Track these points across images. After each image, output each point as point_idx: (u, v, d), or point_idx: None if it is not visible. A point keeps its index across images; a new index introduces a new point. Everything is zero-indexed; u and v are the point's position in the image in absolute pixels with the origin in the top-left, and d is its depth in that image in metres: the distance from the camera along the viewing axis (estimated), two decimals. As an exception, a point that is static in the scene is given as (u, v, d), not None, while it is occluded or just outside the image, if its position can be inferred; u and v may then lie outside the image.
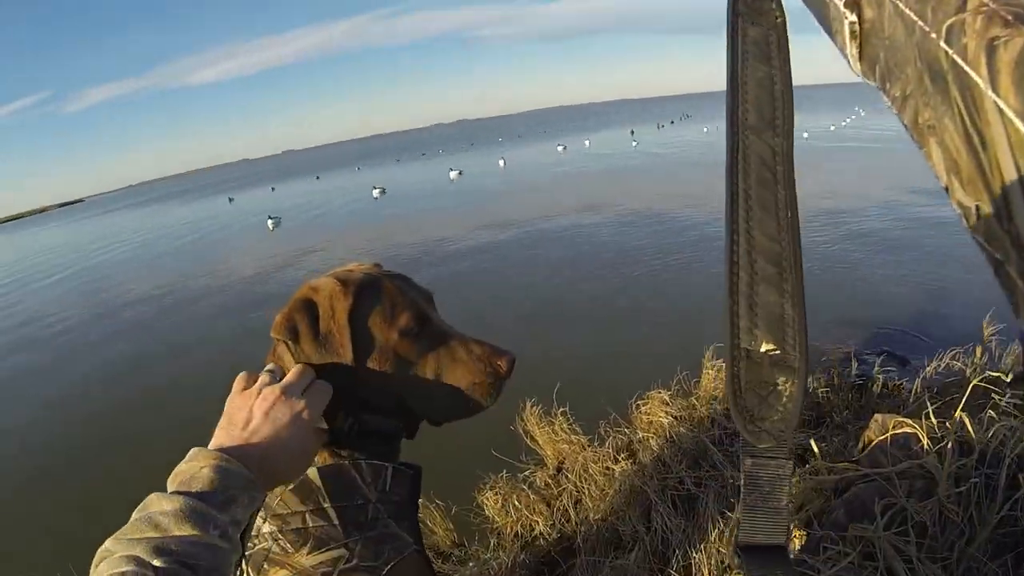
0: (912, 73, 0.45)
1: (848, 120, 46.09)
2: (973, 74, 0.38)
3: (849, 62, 0.54)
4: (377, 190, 33.48)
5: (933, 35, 0.42)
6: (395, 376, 1.26)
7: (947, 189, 0.45)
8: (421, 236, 18.05)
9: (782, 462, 0.62)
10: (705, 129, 48.68)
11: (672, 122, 63.98)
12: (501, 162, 40.25)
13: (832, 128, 40.23)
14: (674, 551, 3.40)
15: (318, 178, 67.68)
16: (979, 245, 0.43)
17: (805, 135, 35.31)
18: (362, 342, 1.24)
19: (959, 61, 0.39)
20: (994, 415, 2.87)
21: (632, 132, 51.87)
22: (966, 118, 0.40)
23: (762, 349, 0.60)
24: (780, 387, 0.60)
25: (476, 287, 11.90)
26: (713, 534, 3.38)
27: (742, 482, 0.63)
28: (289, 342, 1.25)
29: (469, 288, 11.72)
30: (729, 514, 3.53)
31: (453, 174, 36.09)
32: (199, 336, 12.05)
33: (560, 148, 45.27)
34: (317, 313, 1.24)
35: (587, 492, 4.30)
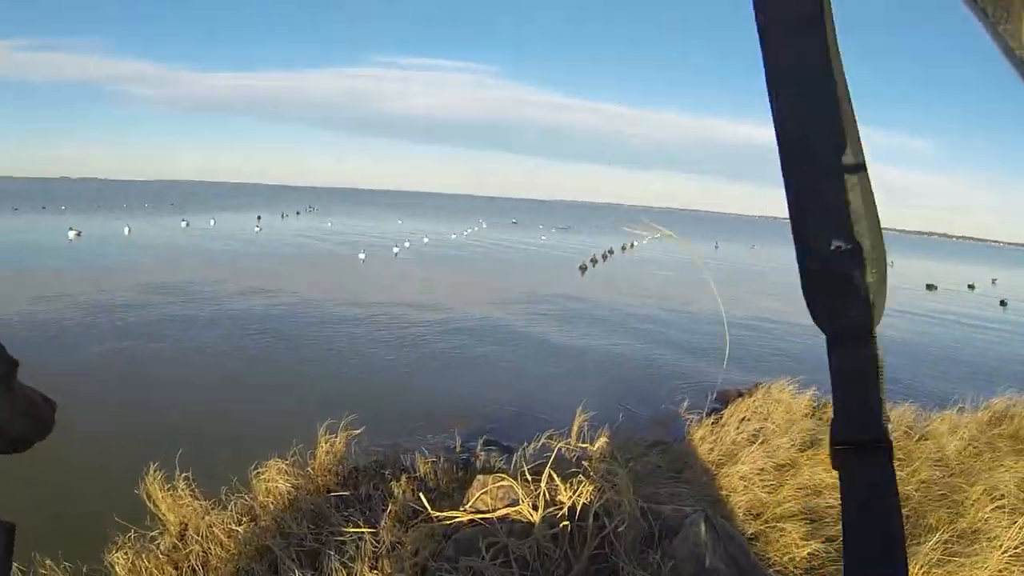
0: None
1: (470, 231, 52.41)
2: None
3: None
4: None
5: None
6: None
7: None
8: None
9: (867, 357, 0.62)
10: (329, 224, 49.99)
11: (298, 212, 63.35)
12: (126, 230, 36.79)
13: (453, 237, 45.45)
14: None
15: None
16: None
17: (426, 240, 39.55)
18: None
19: None
20: (583, 478, 3.90)
21: (259, 218, 50.09)
22: None
23: (833, 247, 0.60)
24: (856, 282, 0.60)
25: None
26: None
27: (831, 382, 0.62)
28: None
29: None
30: (351, 565, 4.07)
31: (71, 234, 32.50)
32: None
33: (184, 224, 41.53)
34: None
35: (214, 553, 4.41)
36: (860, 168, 0.60)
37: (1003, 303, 30.55)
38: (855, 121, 0.61)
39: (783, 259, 52.55)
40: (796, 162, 0.62)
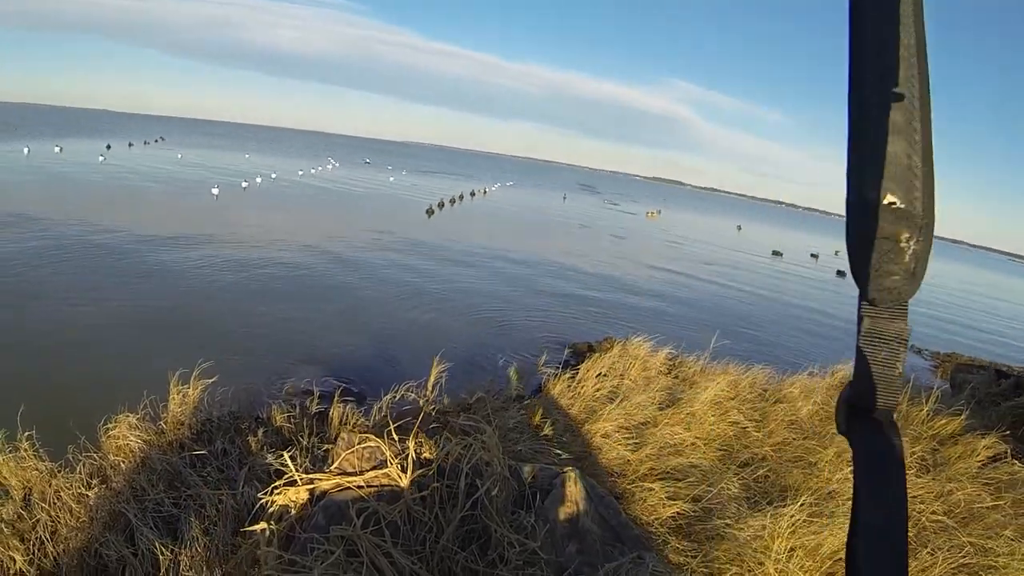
0: None
1: (317, 169, 50.63)
2: None
3: None
4: None
5: None
6: None
7: None
8: None
9: (901, 325, 0.61)
10: (179, 156, 46.47)
11: (145, 143, 58.70)
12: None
13: (300, 173, 43.66)
14: (168, 571, 3.57)
15: None
16: None
17: (274, 176, 37.84)
18: None
19: None
20: (450, 436, 3.84)
21: (108, 147, 45.83)
22: None
23: (886, 201, 0.58)
24: (903, 244, 0.58)
25: None
26: (203, 551, 3.67)
27: (857, 343, 0.62)
28: None
29: None
30: (213, 530, 3.86)
31: None
32: None
33: (26, 150, 37.18)
34: None
35: (63, 521, 4.04)
36: (927, 129, 0.58)
37: (840, 273, 32.87)
38: (928, 83, 0.59)
39: (630, 215, 54.72)
40: (865, 109, 0.59)
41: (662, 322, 13.57)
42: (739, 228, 62.95)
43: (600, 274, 19.92)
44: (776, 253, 38.74)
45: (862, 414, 0.63)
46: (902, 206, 0.58)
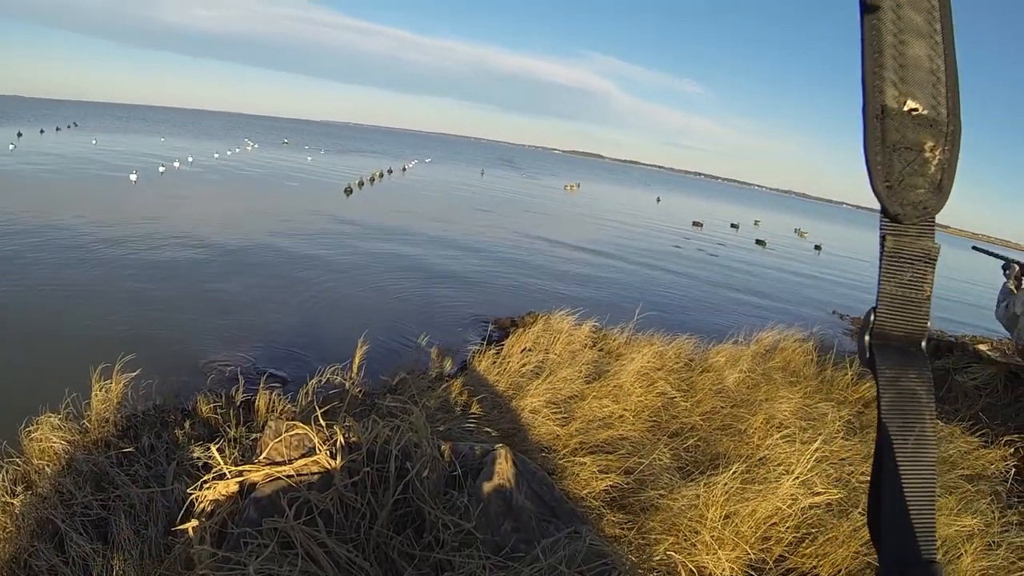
0: None
1: (234, 151, 49.39)
2: None
3: None
4: None
5: None
6: None
7: None
8: None
9: (928, 243, 0.58)
10: (94, 141, 44.59)
11: (57, 128, 56.10)
12: None
13: (216, 156, 42.49)
14: (97, 576, 3.51)
15: None
16: None
17: (191, 159, 36.66)
18: None
19: None
20: (377, 419, 3.85)
21: (19, 134, 43.62)
22: None
23: (906, 108, 0.55)
24: (928, 154, 0.55)
25: None
26: (135, 553, 3.62)
27: (880, 264, 0.59)
28: None
29: None
30: (144, 531, 3.81)
31: None
32: None
33: None
34: None
35: (-13, 531, 3.94)
36: (949, 31, 0.54)
37: (759, 242, 34.29)
38: None
39: (549, 189, 55.21)
40: (880, 9, 0.55)
41: (584, 295, 13.70)
42: (658, 200, 63.85)
43: (520, 249, 20.04)
44: (696, 224, 39.50)
45: (887, 343, 0.60)
46: (925, 113, 0.55)
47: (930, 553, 0.56)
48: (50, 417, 4.86)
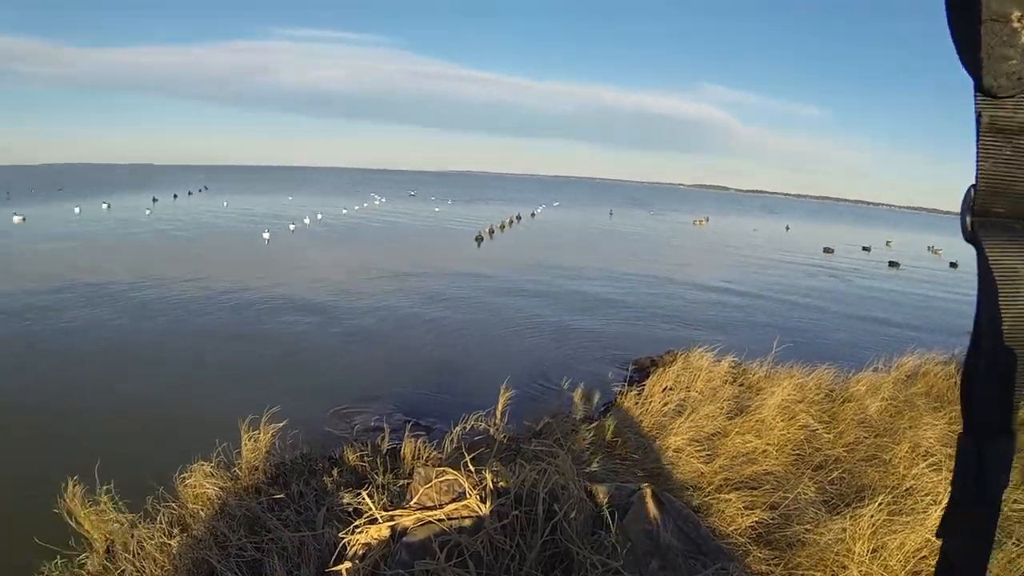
0: None
1: (362, 206, 52.11)
2: None
3: None
4: None
5: None
6: None
7: None
8: None
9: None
10: (224, 203, 48.01)
11: (189, 193, 60.59)
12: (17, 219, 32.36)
13: (344, 212, 44.92)
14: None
15: None
16: None
17: (320, 216, 38.56)
18: None
19: None
20: (524, 463, 3.84)
21: (154, 200, 47.49)
22: None
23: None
24: (1016, 24, 0.53)
25: None
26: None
27: (976, 140, 0.58)
28: None
29: None
30: (296, 573, 3.91)
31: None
32: None
33: (76, 210, 38.44)
34: None
35: (147, 571, 4.16)
36: None
37: (892, 264, 32.71)
38: None
39: (678, 225, 54.27)
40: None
41: (721, 330, 13.43)
42: (787, 228, 61.90)
43: (653, 288, 19.83)
44: (827, 250, 37.97)
45: (988, 220, 0.59)
46: None
47: (1008, 426, 0.60)
48: (203, 465, 5.13)
